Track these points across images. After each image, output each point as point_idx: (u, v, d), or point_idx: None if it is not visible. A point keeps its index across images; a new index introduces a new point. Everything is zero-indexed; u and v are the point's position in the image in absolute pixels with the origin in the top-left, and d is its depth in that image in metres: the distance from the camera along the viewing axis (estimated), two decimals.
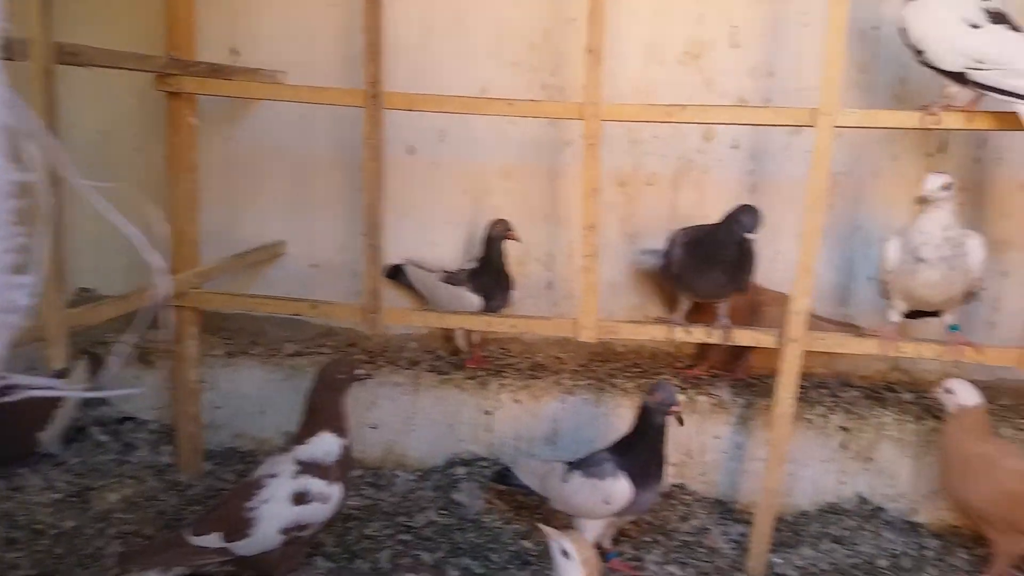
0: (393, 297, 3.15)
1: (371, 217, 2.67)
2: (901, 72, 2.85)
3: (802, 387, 2.96)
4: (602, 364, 3.15)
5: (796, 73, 2.89)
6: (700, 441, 2.89)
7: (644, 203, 3.10)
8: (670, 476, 2.90)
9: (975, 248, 2.36)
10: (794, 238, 2.49)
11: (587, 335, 2.59)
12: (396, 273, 3.17)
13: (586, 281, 2.57)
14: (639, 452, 2.40)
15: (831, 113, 2.30)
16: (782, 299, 2.71)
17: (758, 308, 2.84)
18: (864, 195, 2.94)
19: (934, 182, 2.31)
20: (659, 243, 2.81)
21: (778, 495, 2.54)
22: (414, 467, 3.00)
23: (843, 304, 3.04)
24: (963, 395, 2.44)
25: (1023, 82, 2.17)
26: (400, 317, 2.88)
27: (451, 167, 3.16)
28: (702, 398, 2.90)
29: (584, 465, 2.46)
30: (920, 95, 2.69)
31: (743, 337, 2.59)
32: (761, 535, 2.55)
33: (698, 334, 2.61)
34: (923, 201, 2.32)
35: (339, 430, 2.27)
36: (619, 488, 2.37)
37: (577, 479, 2.44)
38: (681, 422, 2.36)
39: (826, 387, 3.01)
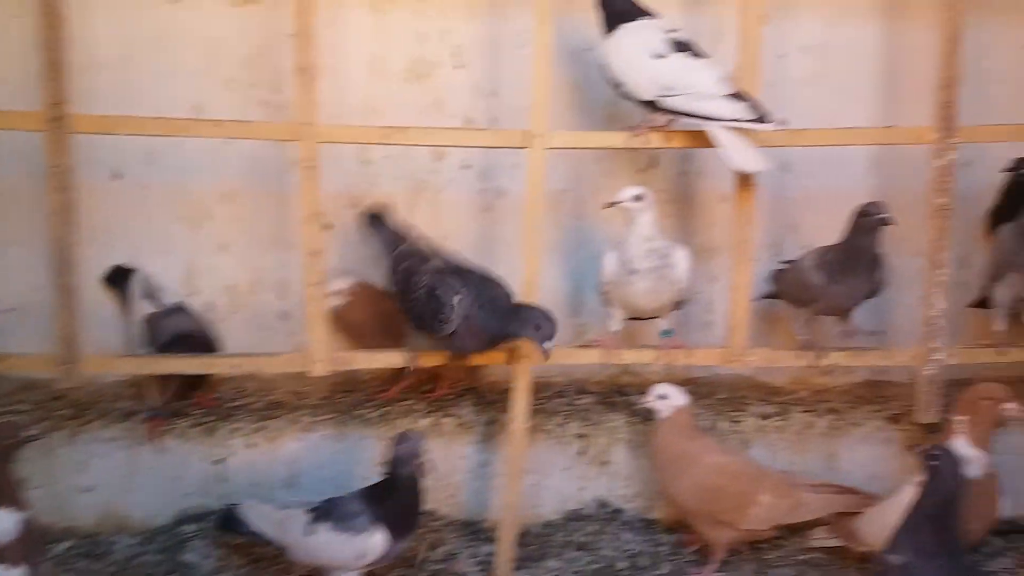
0: (101, 338, 2.81)
1: (61, 253, 2.37)
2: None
3: (542, 398, 3.07)
4: (346, 395, 3.02)
5: (519, 93, 2.92)
6: (447, 463, 2.86)
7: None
8: None
9: (681, 259, 2.54)
10: None
11: (320, 368, 2.47)
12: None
13: (313, 311, 2.45)
14: (395, 500, 2.30)
15: (543, 135, 2.36)
16: None
17: None
18: (586, 210, 3.07)
19: (626, 192, 2.45)
20: None
21: (518, 510, 2.57)
22: (137, 529, 2.69)
23: (576, 314, 3.14)
24: (674, 398, 2.60)
25: (706, 104, 2.37)
26: (104, 364, 2.57)
27: (163, 192, 2.89)
28: (447, 419, 2.87)
29: (334, 516, 2.29)
30: (632, 114, 2.83)
31: (484, 356, 2.59)
32: (505, 553, 2.56)
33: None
34: (611, 206, 2.45)
35: (14, 503, 1.97)
36: (375, 543, 2.26)
37: (325, 532, 2.28)
38: (424, 475, 2.29)
39: (563, 396, 3.08)
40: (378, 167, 2.98)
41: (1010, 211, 2.61)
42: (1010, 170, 2.49)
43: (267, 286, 3.02)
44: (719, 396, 3.11)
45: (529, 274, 2.44)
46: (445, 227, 2.97)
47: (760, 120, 2.34)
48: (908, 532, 2.13)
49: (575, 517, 2.90)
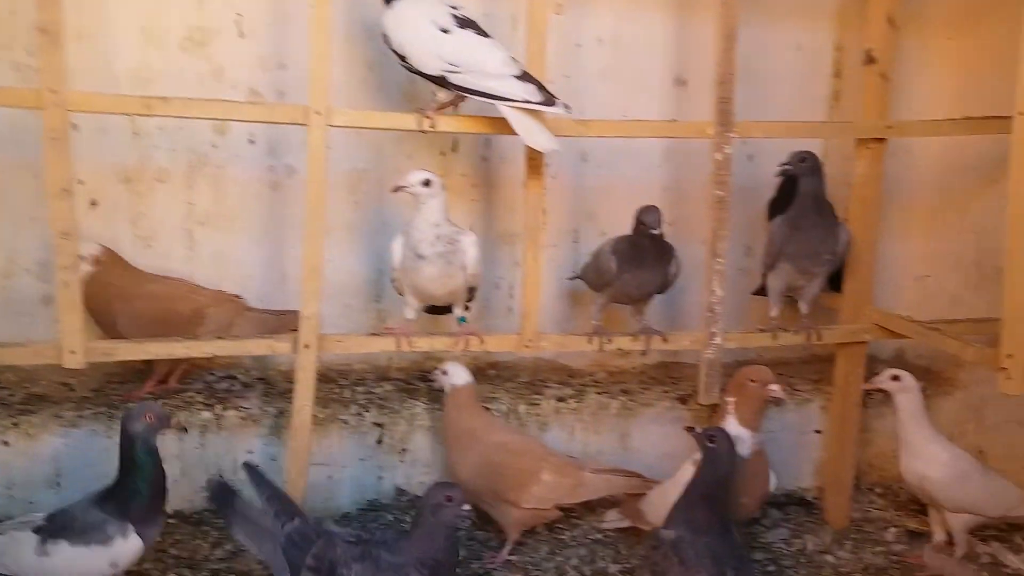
0: None
1: None
2: None
3: (340, 386, 2.97)
4: (120, 385, 2.80)
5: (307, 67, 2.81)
6: (232, 459, 2.70)
7: (156, 202, 2.79)
8: (200, 501, 2.68)
9: (469, 246, 2.49)
10: None
11: (72, 360, 2.23)
12: None
13: (65, 298, 2.21)
14: (142, 490, 2.11)
15: (323, 112, 2.23)
16: (223, 299, 2.70)
17: (200, 312, 2.67)
18: (387, 193, 2.95)
19: (414, 177, 2.38)
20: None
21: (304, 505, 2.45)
22: None
23: (378, 300, 3.05)
24: (455, 376, 2.60)
25: (493, 83, 2.31)
26: None
27: None
28: (229, 412, 2.71)
29: (70, 531, 2.06)
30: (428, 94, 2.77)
31: (258, 347, 2.45)
32: None
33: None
34: (398, 190, 2.38)
35: None
36: (129, 547, 2.08)
37: (66, 550, 2.04)
38: (185, 429, 2.14)
39: (363, 384, 3.00)
40: (152, 140, 2.75)
41: (786, 203, 2.74)
42: (785, 164, 2.61)
43: (25, 267, 2.74)
44: (520, 380, 3.14)
45: (310, 258, 2.31)
46: (229, 206, 2.78)
47: (548, 103, 2.32)
48: (682, 509, 2.21)
49: (373, 507, 2.83)
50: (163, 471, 2.16)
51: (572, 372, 3.20)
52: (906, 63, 3.11)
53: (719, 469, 2.23)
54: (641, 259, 2.57)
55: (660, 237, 2.53)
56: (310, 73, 2.20)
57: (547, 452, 2.64)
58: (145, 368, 2.79)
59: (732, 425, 2.46)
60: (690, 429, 2.35)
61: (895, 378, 2.56)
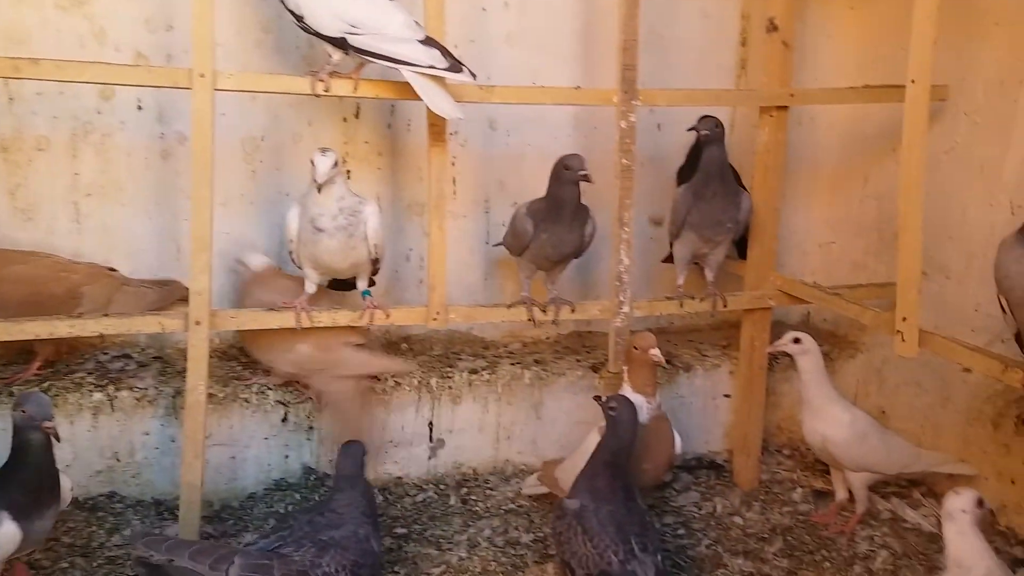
0: None
1: None
2: None
3: (241, 364, 2.87)
4: (5, 367, 2.64)
5: None
6: (128, 441, 2.59)
7: (36, 173, 2.62)
8: (97, 485, 2.57)
9: (371, 216, 2.41)
10: (216, 206, 2.30)
11: None
12: None
13: None
14: (23, 479, 1.99)
15: (207, 75, 2.11)
16: (99, 274, 2.58)
17: (74, 291, 2.53)
18: (286, 160, 2.86)
19: (323, 164, 2.27)
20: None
21: (199, 487, 2.36)
22: None
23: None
24: (252, 261, 2.67)
25: (396, 47, 2.23)
26: None
27: None
28: (123, 393, 2.59)
29: None
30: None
31: (147, 324, 2.33)
32: (188, 534, 2.36)
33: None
34: (321, 188, 2.28)
35: None
36: (6, 536, 1.94)
37: None
38: (58, 438, 2.02)
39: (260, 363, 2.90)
40: (30, 105, 2.58)
41: (695, 171, 2.74)
42: (703, 130, 2.58)
43: None
44: (433, 353, 3.10)
45: (199, 229, 2.20)
46: (117, 175, 2.63)
47: (453, 70, 2.25)
48: (587, 478, 2.21)
49: (280, 487, 2.75)
50: (49, 461, 2.03)
51: (486, 344, 3.16)
52: (811, 32, 3.14)
53: (622, 436, 2.22)
54: (557, 217, 2.52)
55: (587, 180, 2.45)
56: (192, 33, 2.07)
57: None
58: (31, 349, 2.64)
59: (628, 392, 2.45)
60: (597, 398, 2.34)
61: (796, 340, 2.60)
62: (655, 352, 2.38)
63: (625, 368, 2.49)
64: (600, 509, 2.12)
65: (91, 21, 2.58)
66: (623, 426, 2.23)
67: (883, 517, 2.76)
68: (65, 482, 2.11)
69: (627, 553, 2.03)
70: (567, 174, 2.46)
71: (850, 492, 2.69)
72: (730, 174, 2.65)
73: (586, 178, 2.44)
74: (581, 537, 2.08)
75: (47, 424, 1.97)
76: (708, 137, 2.58)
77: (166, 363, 2.78)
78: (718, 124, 2.59)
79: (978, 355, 2.19)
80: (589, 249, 2.66)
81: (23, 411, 1.97)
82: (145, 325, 2.32)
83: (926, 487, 2.86)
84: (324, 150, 2.29)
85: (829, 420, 2.59)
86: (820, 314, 3.39)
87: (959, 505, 2.03)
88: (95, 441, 2.57)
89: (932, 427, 2.86)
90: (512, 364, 3.00)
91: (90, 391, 2.57)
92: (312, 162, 2.28)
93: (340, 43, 2.25)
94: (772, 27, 2.64)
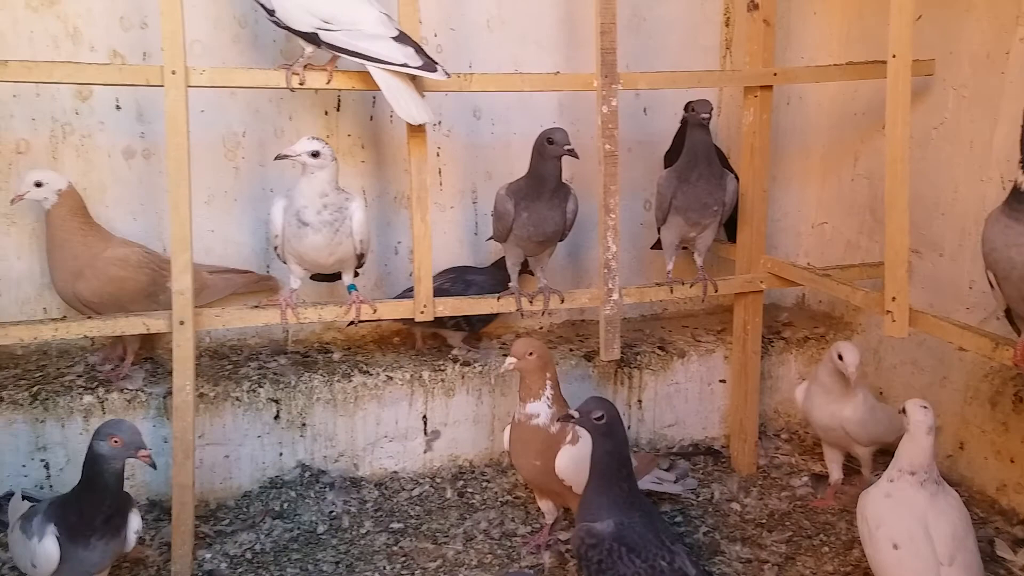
0: None
1: None
2: None
3: (233, 362, 2.86)
4: None
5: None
6: None
7: (17, 176, 2.59)
8: None
9: (357, 210, 2.38)
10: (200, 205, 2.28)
11: None
12: None
13: None
14: (84, 505, 1.99)
15: (179, 72, 2.09)
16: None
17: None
18: (269, 156, 2.80)
19: (303, 146, 2.25)
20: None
21: (190, 489, 2.35)
22: None
23: (267, 270, 2.93)
24: (54, 183, 2.41)
25: (369, 44, 2.20)
26: None
27: None
28: (113, 395, 2.58)
29: (29, 514, 2.05)
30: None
31: (131, 325, 2.31)
32: (183, 534, 2.35)
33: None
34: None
35: None
36: (44, 551, 1.95)
37: (18, 532, 2.04)
38: (154, 466, 2.02)
39: (257, 359, 2.89)
40: (8, 107, 2.57)
41: (679, 154, 2.70)
42: (702, 114, 2.51)
43: None
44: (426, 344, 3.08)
45: (178, 229, 2.18)
46: (99, 177, 2.61)
47: (428, 68, 2.21)
48: (600, 494, 2.04)
49: (273, 484, 2.74)
50: (117, 492, 2.00)
51: (478, 336, 3.14)
52: (796, 10, 3.10)
53: (619, 436, 2.06)
54: (538, 195, 2.44)
55: (572, 154, 2.36)
56: (162, 30, 2.05)
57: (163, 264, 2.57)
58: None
59: (532, 406, 2.36)
60: (567, 418, 2.10)
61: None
62: (511, 361, 2.31)
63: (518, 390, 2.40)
64: (633, 521, 2.00)
65: (64, 21, 2.55)
66: (614, 425, 2.07)
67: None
68: (134, 522, 2.07)
69: (671, 553, 1.96)
70: (551, 148, 2.37)
71: (845, 472, 2.69)
72: (715, 156, 2.61)
73: (572, 152, 2.35)
74: (627, 557, 1.96)
75: (143, 453, 1.94)
76: (708, 120, 2.50)
77: (156, 363, 2.78)
78: (711, 108, 2.53)
79: (968, 333, 2.15)
80: (573, 231, 2.60)
81: (116, 440, 1.94)
82: (130, 326, 2.30)
83: None
84: (313, 138, 2.27)
85: (845, 400, 2.58)
86: (815, 296, 3.36)
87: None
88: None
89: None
90: (506, 355, 2.97)
91: (80, 394, 2.56)
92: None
93: (312, 39, 2.22)
94: (753, 6, 2.60)
